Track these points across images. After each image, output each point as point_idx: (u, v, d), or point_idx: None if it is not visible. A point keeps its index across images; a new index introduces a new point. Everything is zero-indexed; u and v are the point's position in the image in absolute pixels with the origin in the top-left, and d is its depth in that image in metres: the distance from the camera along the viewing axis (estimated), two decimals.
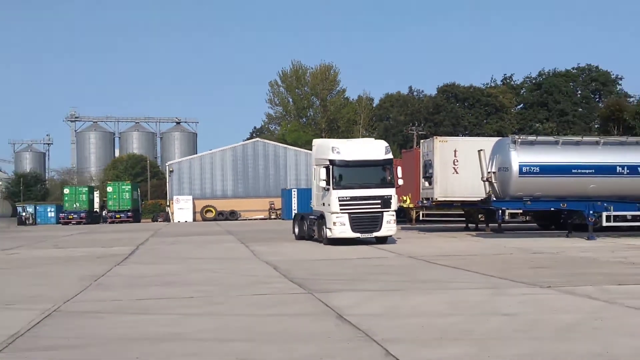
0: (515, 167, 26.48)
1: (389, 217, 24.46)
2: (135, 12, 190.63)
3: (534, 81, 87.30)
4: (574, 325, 9.38)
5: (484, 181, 27.67)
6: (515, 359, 7.53)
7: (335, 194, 24.11)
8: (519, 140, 27.49)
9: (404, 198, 36.84)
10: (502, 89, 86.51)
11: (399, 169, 25.39)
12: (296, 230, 29.21)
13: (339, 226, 24.05)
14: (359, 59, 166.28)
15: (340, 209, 24.06)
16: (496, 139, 30.95)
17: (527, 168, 26.57)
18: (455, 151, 31.82)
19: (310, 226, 27.10)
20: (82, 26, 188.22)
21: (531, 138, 28.76)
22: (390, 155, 25.14)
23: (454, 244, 26.14)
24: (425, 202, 33.37)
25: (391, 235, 25.21)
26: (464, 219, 36.22)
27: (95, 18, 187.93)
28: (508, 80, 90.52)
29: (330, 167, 24.33)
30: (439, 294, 12.64)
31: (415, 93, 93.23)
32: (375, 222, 24.29)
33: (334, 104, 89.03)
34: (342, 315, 10.30)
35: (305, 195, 60.03)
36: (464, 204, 33.00)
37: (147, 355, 8.06)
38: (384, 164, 24.80)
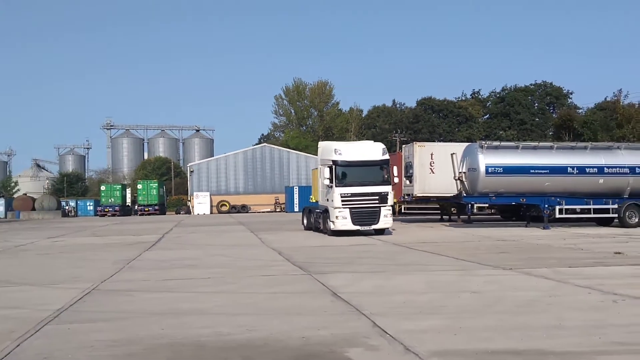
0: (482, 168, 26.48)
1: (386, 211, 23.38)
2: (161, 35, 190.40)
3: (498, 95, 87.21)
4: (532, 301, 9.38)
5: (456, 180, 27.66)
6: (482, 329, 7.53)
7: (338, 191, 23.00)
8: (486, 145, 27.49)
9: None
10: (471, 102, 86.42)
11: (395, 169, 24.38)
12: (305, 221, 28.57)
13: (341, 219, 23.03)
14: (351, 76, 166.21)
15: (342, 204, 23.00)
16: (466, 144, 30.94)
17: (493, 168, 26.57)
18: (431, 154, 31.78)
19: (316, 219, 26.21)
20: (117, 46, 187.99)
21: (495, 143, 28.76)
22: (386, 156, 23.95)
23: (431, 232, 26.13)
24: (406, 197, 33.33)
25: (388, 228, 24.24)
26: (439, 211, 36.18)
27: (126, 39, 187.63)
28: (476, 95, 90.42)
29: (333, 166, 23.27)
30: (418, 274, 12.63)
31: (398, 105, 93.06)
32: (373, 215, 23.22)
33: (329, 114, 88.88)
34: (337, 293, 10.28)
35: (305, 191, 60.03)
36: (439, 199, 32.94)
37: (171, 326, 8.04)
38: (381, 164, 23.57)
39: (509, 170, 26.63)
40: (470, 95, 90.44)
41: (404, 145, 36.49)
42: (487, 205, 32.01)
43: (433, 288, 10.89)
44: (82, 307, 9.66)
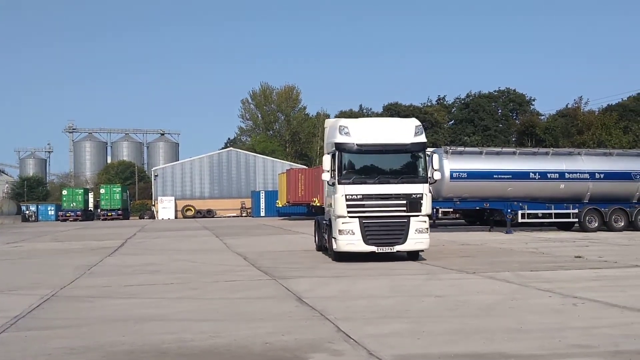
0: (447, 173, 26.75)
1: (418, 224, 15.49)
2: (124, 38, 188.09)
3: (463, 101, 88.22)
4: (494, 304, 9.49)
5: None
6: (445, 333, 7.58)
7: (342, 191, 15.33)
8: (450, 150, 27.85)
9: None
10: (436, 108, 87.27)
11: (435, 158, 16.83)
12: (317, 239, 19.56)
13: (347, 235, 15.29)
14: (318, 81, 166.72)
15: (349, 212, 15.24)
16: (431, 149, 31.23)
17: (457, 174, 26.89)
18: None
19: (322, 234, 18.12)
20: (80, 49, 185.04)
21: (460, 149, 29.15)
22: (421, 138, 15.97)
23: None
24: None
25: (422, 250, 16.27)
26: None
27: (89, 41, 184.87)
28: (441, 100, 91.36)
29: (337, 152, 15.66)
30: (382, 279, 12.66)
31: (364, 110, 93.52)
32: (398, 230, 15.43)
33: (296, 119, 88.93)
34: (301, 298, 10.25)
35: (271, 196, 60.01)
36: None
37: (132, 333, 7.91)
38: (413, 150, 15.82)
39: (473, 175, 26.98)
40: (436, 101, 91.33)
41: None
42: (451, 209, 32.31)
43: (397, 292, 10.93)
44: (41, 314, 9.44)
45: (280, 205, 53.74)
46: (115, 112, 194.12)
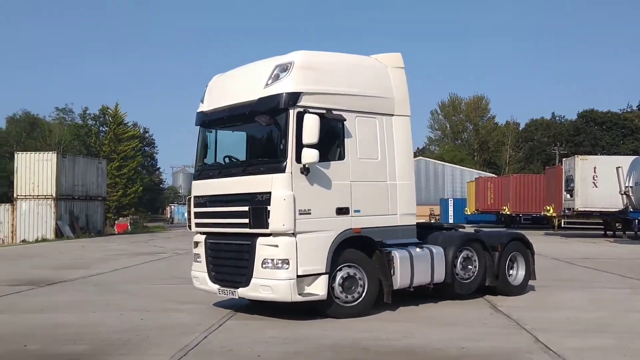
0: None
1: (267, 250, 8.33)
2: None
3: None
4: None
5: (621, 194, 25.85)
6: None
7: (193, 192, 9.87)
8: None
9: (548, 208, 35.03)
10: (637, 114, 79.51)
11: (311, 120, 8.13)
12: None
13: (197, 265, 9.67)
14: (508, 90, 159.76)
15: (196, 225, 9.72)
16: (633, 157, 28.69)
17: None
18: (594, 168, 29.85)
19: None
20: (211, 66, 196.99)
21: None
22: (279, 87, 8.41)
23: (593, 248, 24.27)
24: (566, 211, 31.58)
25: (275, 301, 8.66)
26: (602, 226, 33.74)
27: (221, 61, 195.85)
28: None
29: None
30: (579, 291, 11.77)
31: (557, 118, 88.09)
32: (239, 261, 8.84)
33: (485, 128, 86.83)
34: (495, 306, 9.91)
35: (459, 204, 58.83)
36: (602, 214, 30.81)
37: (332, 328, 8.17)
38: (263, 111, 8.52)
39: None
40: (637, 106, 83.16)
41: (564, 159, 34.71)
42: None
43: (598, 306, 10.12)
44: (255, 306, 10.11)
45: (469, 213, 52.61)
46: None
